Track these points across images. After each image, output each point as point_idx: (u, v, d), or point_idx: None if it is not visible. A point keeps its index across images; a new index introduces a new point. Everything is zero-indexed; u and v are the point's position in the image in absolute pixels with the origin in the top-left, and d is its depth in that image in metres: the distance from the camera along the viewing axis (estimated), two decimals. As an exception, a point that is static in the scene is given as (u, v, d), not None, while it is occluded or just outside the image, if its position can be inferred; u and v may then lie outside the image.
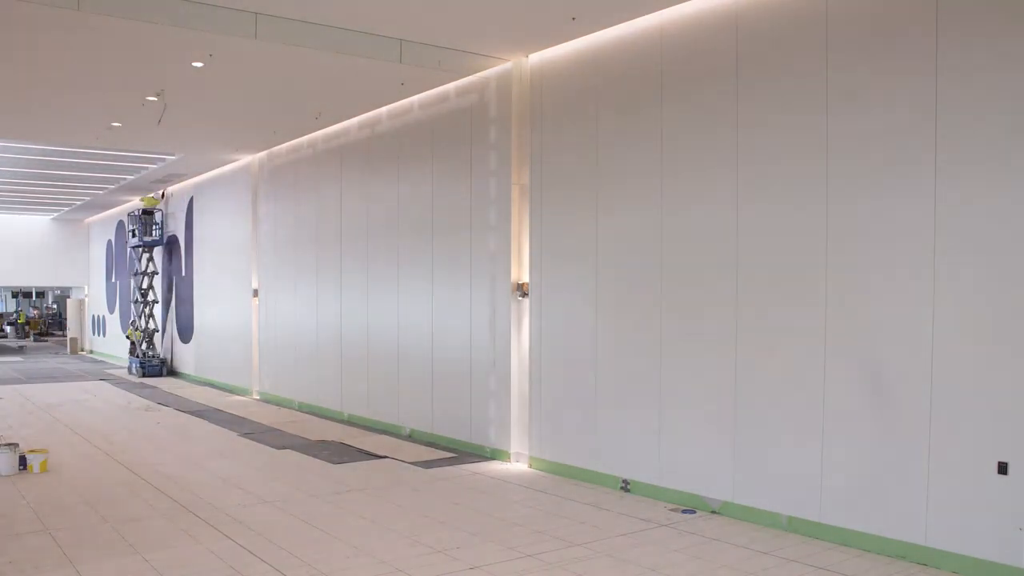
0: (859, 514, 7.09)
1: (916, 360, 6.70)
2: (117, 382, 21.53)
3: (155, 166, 19.23)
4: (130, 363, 23.79)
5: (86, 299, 32.65)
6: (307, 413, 15.53)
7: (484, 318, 11.16)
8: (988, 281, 6.32)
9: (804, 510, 7.50)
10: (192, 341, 21.82)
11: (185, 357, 22.38)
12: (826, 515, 7.33)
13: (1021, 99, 6.12)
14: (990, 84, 6.30)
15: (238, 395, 18.30)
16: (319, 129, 14.97)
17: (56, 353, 31.97)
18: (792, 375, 7.62)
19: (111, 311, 29.10)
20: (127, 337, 24.53)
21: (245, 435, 13.09)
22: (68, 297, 37.49)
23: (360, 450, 11.76)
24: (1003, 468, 6.17)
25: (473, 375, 11.36)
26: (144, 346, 23.64)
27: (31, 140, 16.30)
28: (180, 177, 20.89)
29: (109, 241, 29.21)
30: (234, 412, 15.70)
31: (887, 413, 6.91)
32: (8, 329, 44.34)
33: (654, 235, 8.91)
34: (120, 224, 27.79)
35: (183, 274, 22.43)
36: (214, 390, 19.29)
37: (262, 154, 17.54)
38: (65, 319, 39.78)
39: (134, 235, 24.29)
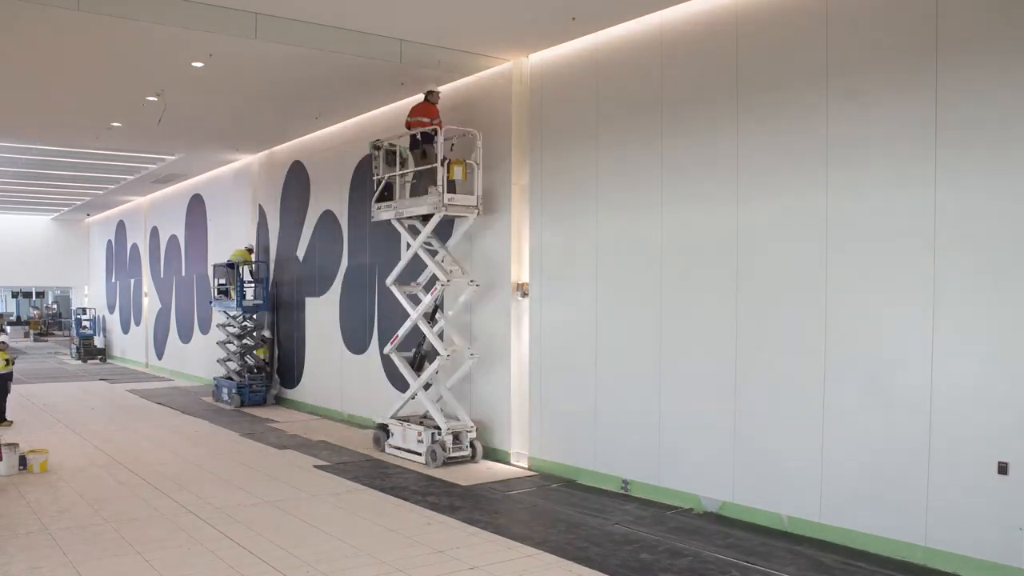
0: (859, 514, 7.09)
1: (916, 360, 6.70)
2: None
3: (155, 166, 19.23)
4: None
5: (87, 299, 32.57)
6: (307, 413, 15.54)
7: (484, 318, 11.14)
8: (988, 281, 6.31)
9: (804, 510, 7.50)
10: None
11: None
12: (826, 515, 7.33)
13: (1021, 99, 6.12)
14: (990, 84, 6.30)
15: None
16: (319, 129, 14.96)
17: (55, 354, 31.84)
18: (792, 375, 7.61)
19: (111, 311, 29.09)
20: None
21: (246, 435, 13.08)
22: (68, 297, 37.43)
23: (360, 451, 11.75)
24: (1003, 468, 6.17)
25: (473, 375, 11.33)
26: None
27: (31, 140, 16.30)
28: (181, 177, 20.88)
29: (109, 241, 29.17)
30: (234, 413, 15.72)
31: (887, 413, 6.91)
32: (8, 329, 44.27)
33: (654, 235, 8.90)
34: (120, 224, 27.75)
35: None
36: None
37: (262, 154, 17.53)
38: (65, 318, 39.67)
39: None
